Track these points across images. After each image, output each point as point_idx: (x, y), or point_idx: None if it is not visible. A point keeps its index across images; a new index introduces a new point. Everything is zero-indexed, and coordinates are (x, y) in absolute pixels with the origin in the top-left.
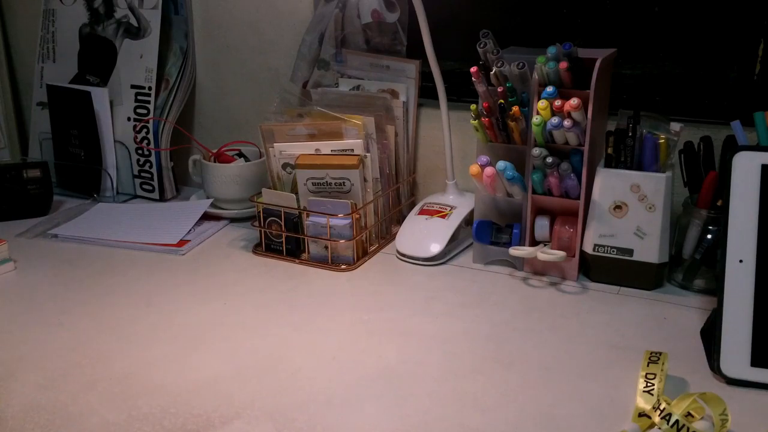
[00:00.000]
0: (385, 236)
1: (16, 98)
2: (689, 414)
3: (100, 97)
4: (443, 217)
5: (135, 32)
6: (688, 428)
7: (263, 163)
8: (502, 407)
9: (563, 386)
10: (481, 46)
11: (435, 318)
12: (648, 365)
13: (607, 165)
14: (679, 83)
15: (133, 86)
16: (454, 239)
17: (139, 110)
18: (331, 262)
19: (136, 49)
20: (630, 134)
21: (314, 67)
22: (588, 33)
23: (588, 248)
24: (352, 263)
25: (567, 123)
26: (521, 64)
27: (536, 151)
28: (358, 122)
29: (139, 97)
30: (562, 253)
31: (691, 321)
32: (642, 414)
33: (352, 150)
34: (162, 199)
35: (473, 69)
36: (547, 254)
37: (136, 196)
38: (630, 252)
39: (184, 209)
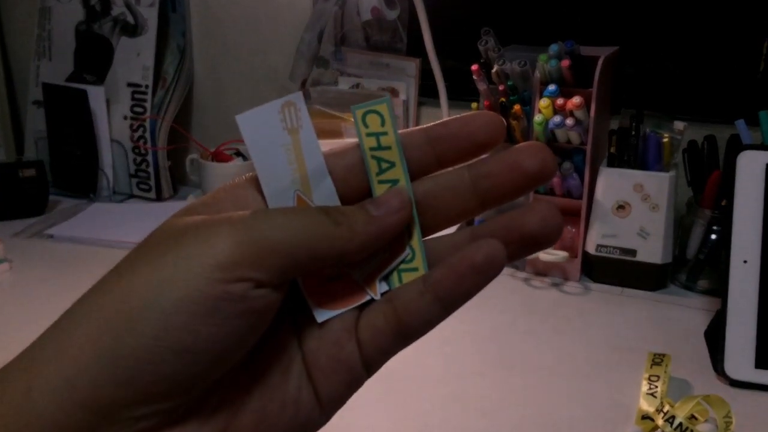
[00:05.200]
0: None
1: (12, 97)
2: (693, 416)
3: (96, 95)
4: None
5: (132, 30)
6: (691, 431)
7: None
8: (504, 410)
9: (565, 388)
10: (482, 43)
11: None
12: (651, 367)
13: (610, 164)
14: (682, 82)
15: (129, 84)
16: None
17: (135, 109)
18: None
19: (133, 46)
20: (633, 133)
21: (313, 65)
22: (590, 31)
23: (590, 248)
24: None
25: (569, 122)
26: (523, 62)
27: None
28: None
29: (136, 96)
30: (564, 254)
31: (695, 322)
32: (645, 416)
33: None
34: (159, 198)
35: (474, 67)
36: (549, 254)
37: (132, 196)
38: (633, 252)
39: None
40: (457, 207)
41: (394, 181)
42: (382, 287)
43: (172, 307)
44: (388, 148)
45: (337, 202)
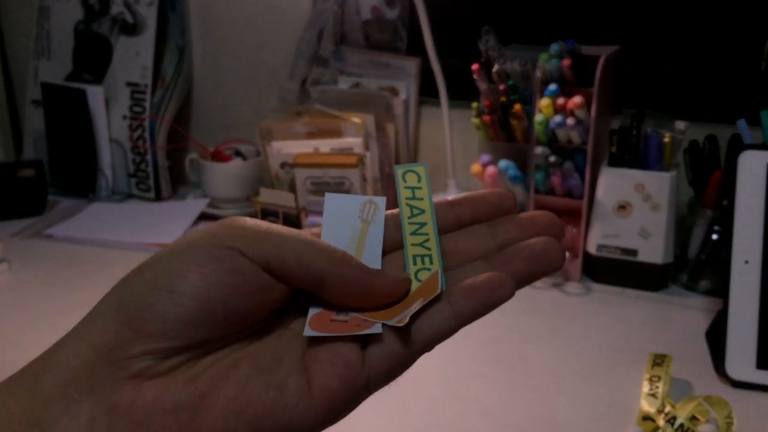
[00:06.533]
0: None
1: (11, 96)
2: (694, 417)
3: (95, 95)
4: None
5: (131, 29)
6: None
7: (261, 162)
8: (504, 411)
9: (566, 389)
10: (483, 43)
11: None
12: (652, 368)
13: (611, 164)
14: (683, 81)
15: (128, 84)
16: None
17: (135, 108)
18: None
19: (132, 46)
20: (634, 133)
21: (313, 64)
22: (591, 30)
23: (591, 248)
24: None
25: (570, 121)
26: (523, 61)
27: (539, 149)
28: (358, 120)
29: (135, 95)
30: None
31: (696, 323)
32: (646, 417)
33: (352, 149)
34: (158, 198)
35: (475, 66)
36: None
37: (131, 196)
38: (634, 252)
39: (180, 209)
40: (477, 246)
41: (422, 224)
42: (376, 328)
43: (172, 257)
44: (421, 199)
45: None
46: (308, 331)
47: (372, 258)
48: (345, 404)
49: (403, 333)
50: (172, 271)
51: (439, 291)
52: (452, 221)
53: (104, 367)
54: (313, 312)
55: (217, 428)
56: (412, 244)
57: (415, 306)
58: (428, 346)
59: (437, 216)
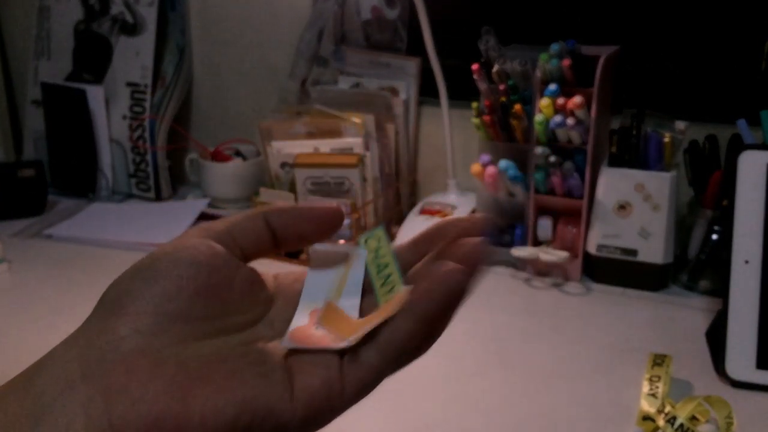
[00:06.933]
0: None
1: (11, 96)
2: (694, 417)
3: (95, 95)
4: (444, 217)
5: (131, 29)
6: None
7: (261, 162)
8: (504, 410)
9: (566, 389)
10: (483, 43)
11: None
12: (652, 368)
13: (611, 164)
14: (684, 81)
15: (128, 84)
16: None
17: (135, 108)
18: None
19: (131, 46)
20: (634, 133)
21: (313, 64)
22: (591, 30)
23: (591, 249)
24: None
25: (570, 121)
26: (523, 61)
27: (539, 149)
28: (358, 120)
29: (135, 95)
30: (565, 254)
31: (696, 323)
32: (646, 417)
33: (352, 149)
34: (158, 198)
35: (475, 66)
36: (549, 255)
37: (131, 196)
38: (634, 252)
39: (180, 209)
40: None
41: (389, 275)
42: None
43: (143, 261)
44: (384, 256)
45: (355, 314)
46: (285, 342)
47: (353, 291)
48: (325, 405)
49: (375, 341)
50: (145, 265)
51: (395, 312)
52: (416, 261)
53: (96, 354)
54: (294, 325)
55: (207, 407)
56: (383, 294)
57: (368, 327)
58: (400, 353)
59: (402, 260)
